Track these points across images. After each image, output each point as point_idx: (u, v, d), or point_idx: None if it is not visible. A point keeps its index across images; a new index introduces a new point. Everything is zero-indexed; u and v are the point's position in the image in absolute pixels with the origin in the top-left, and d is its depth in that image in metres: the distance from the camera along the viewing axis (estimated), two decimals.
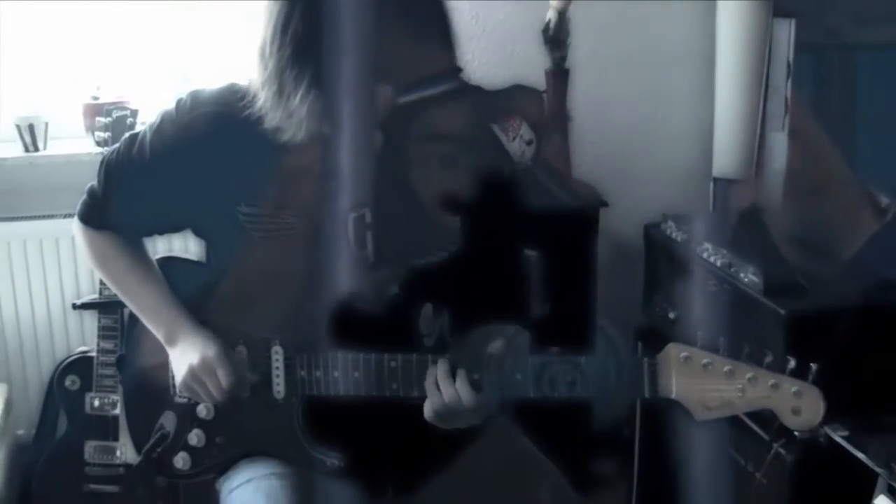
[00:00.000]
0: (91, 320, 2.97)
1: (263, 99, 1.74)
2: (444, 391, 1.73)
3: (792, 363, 1.63)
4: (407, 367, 1.76)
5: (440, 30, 1.75)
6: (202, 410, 1.94)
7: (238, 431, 1.92)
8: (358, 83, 1.70)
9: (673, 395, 1.67)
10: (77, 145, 3.12)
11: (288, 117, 1.73)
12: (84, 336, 3.13)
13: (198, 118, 1.84)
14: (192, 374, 1.85)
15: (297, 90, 1.70)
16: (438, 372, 1.74)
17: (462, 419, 1.79)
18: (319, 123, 1.73)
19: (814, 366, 1.63)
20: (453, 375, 1.73)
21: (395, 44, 1.69)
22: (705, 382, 1.65)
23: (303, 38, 1.69)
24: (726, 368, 1.64)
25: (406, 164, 1.84)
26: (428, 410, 1.78)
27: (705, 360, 1.65)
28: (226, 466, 1.94)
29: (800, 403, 1.63)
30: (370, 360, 1.78)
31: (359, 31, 1.67)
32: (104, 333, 2.87)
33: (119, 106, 2.90)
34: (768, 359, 1.64)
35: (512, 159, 2.03)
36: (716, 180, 3.24)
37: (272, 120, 1.74)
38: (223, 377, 1.84)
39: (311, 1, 1.69)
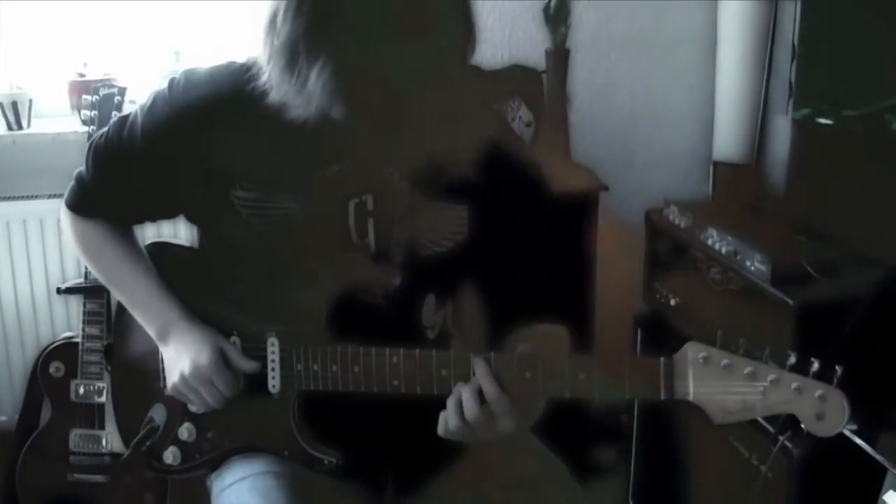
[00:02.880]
0: (76, 305, 2.91)
1: (270, 72, 1.59)
2: (468, 412, 1.65)
3: (815, 365, 1.55)
4: (410, 363, 1.69)
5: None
6: None
7: (231, 427, 1.85)
8: (375, 63, 1.53)
9: (690, 398, 1.58)
10: (63, 124, 3.10)
11: (297, 93, 1.57)
12: (69, 321, 3.12)
13: (192, 100, 1.75)
14: (185, 382, 1.79)
15: (310, 64, 1.54)
16: (466, 391, 1.65)
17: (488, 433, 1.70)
18: (331, 102, 1.57)
19: (839, 368, 1.54)
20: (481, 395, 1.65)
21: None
22: (725, 385, 1.57)
23: (322, 8, 1.52)
24: (747, 370, 1.55)
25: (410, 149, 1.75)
26: (445, 428, 1.69)
27: (725, 361, 1.56)
28: (217, 462, 1.87)
29: (824, 408, 1.54)
30: (370, 355, 1.71)
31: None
32: (90, 318, 2.82)
33: (106, 83, 2.86)
34: (791, 360, 1.56)
35: (522, 144, 1.94)
36: (716, 164, 3.22)
37: (279, 94, 1.59)
38: (221, 386, 1.78)
39: None
